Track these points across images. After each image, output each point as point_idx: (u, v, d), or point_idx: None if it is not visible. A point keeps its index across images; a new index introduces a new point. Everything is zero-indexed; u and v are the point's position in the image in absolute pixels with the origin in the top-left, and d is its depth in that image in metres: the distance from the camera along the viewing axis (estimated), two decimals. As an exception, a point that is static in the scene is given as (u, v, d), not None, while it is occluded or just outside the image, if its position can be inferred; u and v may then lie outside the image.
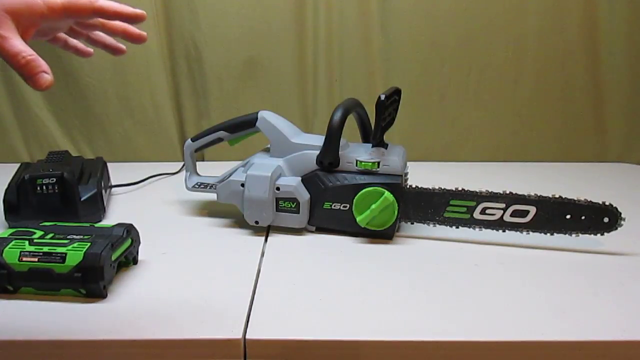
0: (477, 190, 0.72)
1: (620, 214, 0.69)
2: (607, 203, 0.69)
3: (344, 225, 0.75)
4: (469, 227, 0.73)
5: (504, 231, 0.72)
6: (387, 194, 0.71)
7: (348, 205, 0.73)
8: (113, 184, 0.94)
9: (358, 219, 0.72)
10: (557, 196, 0.70)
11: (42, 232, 0.61)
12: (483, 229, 0.73)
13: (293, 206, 0.74)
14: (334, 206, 0.74)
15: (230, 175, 0.77)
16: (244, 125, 0.80)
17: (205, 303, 0.58)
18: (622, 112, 1.13)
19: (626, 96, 1.11)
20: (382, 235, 0.74)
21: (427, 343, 0.52)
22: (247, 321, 0.54)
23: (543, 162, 1.15)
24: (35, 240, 0.59)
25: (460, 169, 1.10)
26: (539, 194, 0.71)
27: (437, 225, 0.75)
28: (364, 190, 0.72)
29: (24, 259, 0.57)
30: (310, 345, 0.52)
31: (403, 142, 0.80)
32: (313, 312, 0.56)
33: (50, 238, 0.59)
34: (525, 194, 0.71)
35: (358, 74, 1.11)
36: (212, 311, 0.56)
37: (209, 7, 1.06)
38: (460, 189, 0.73)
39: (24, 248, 0.58)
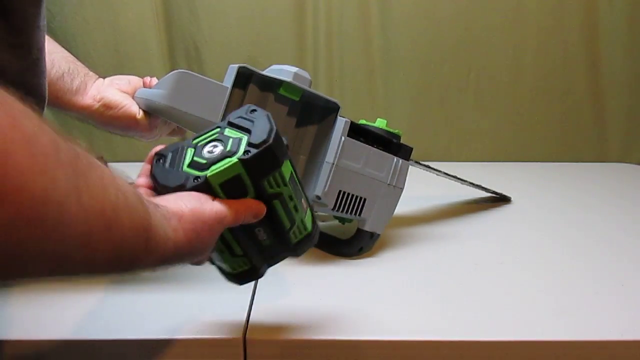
0: None
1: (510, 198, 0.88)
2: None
3: None
4: None
5: None
6: None
7: None
8: (113, 184, 0.93)
9: None
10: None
11: None
12: None
13: None
14: None
15: None
16: None
17: (205, 303, 0.57)
18: (622, 112, 1.13)
19: (626, 96, 1.11)
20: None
21: (427, 343, 0.52)
22: (247, 321, 0.54)
23: (543, 162, 1.15)
24: None
25: (460, 169, 1.09)
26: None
27: None
28: None
29: None
30: (310, 345, 0.52)
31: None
32: (313, 312, 0.56)
33: None
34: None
35: (358, 74, 1.10)
36: (212, 311, 0.56)
37: (209, 7, 1.06)
38: None
39: None
